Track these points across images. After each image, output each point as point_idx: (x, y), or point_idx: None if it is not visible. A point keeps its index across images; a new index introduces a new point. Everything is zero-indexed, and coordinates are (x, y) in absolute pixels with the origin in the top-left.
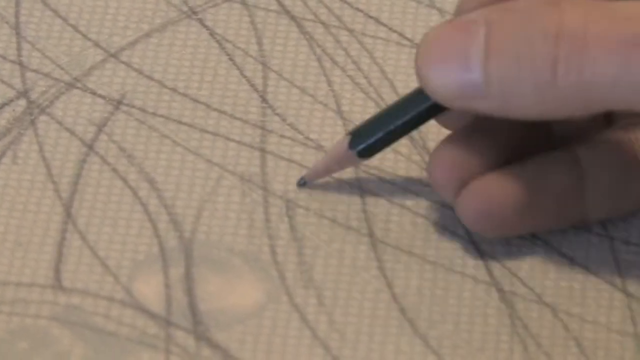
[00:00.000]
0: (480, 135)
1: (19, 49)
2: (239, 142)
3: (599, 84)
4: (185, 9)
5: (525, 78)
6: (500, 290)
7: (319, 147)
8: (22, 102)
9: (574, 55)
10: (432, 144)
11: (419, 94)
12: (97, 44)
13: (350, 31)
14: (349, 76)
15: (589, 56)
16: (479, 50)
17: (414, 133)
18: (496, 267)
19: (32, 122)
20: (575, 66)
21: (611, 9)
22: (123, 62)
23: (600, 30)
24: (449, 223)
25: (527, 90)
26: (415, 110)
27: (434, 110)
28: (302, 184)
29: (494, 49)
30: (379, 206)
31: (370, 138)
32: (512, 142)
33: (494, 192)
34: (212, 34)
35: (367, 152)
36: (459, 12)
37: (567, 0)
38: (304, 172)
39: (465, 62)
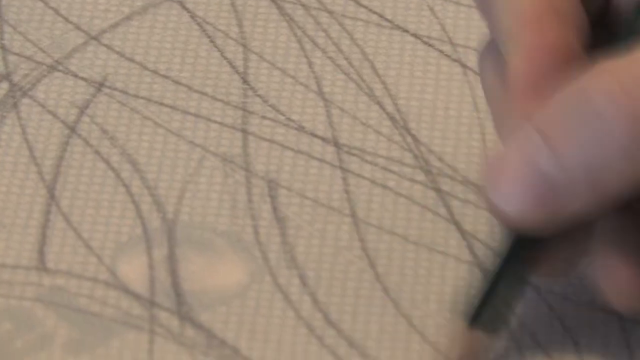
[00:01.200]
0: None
1: (0, 32)
2: (220, 124)
3: None
4: None
5: (605, 150)
6: (483, 270)
7: (300, 128)
8: (5, 85)
9: None
10: (413, 125)
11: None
12: (78, 27)
13: (331, 13)
14: (329, 58)
15: None
16: (540, 143)
17: (395, 114)
18: (479, 247)
19: (15, 105)
20: None
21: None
22: (104, 45)
23: None
24: (430, 203)
25: (613, 160)
26: (511, 265)
27: (528, 252)
28: None
29: (554, 135)
30: (361, 186)
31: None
32: None
33: None
34: (192, 16)
35: (492, 326)
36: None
37: (607, 65)
38: (286, 152)
39: (530, 158)
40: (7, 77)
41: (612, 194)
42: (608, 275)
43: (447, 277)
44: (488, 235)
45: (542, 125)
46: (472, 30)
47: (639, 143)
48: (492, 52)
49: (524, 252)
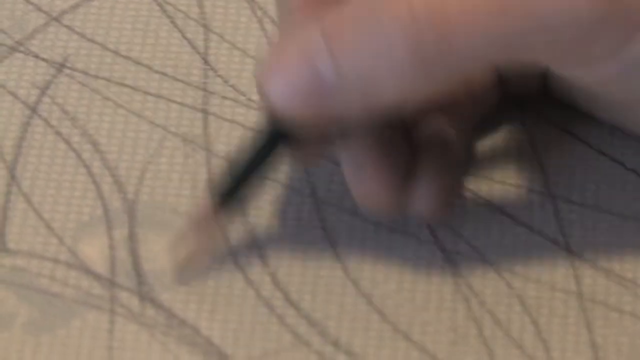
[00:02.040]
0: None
1: None
2: (181, 104)
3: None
4: None
5: (383, 65)
6: (443, 250)
7: (261, 108)
8: None
9: (439, 34)
10: None
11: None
12: (39, 8)
13: None
14: None
15: (456, 34)
16: (322, 47)
17: None
18: (439, 226)
19: None
20: (444, 45)
21: None
22: (65, 26)
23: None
24: None
25: (388, 75)
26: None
27: (277, 138)
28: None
29: (337, 42)
30: (321, 167)
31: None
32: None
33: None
34: None
35: (226, 201)
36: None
37: None
38: (247, 132)
39: (309, 59)
40: None
41: (381, 108)
42: (358, 177)
43: (407, 257)
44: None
45: (328, 30)
46: None
47: (415, 67)
48: None
49: (279, 143)
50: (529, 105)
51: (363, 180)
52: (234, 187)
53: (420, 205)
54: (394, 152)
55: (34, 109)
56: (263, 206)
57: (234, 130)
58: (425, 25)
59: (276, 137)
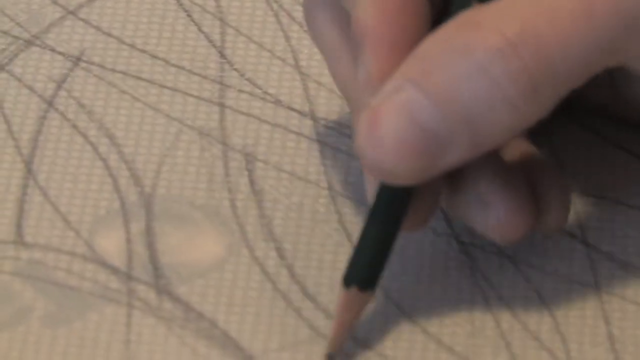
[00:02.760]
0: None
1: None
2: (197, 97)
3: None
4: None
5: (490, 102)
6: (460, 242)
7: (277, 102)
8: None
9: (540, 57)
10: None
11: (378, 208)
12: (55, 2)
13: None
14: (306, 31)
15: (555, 51)
16: (420, 98)
17: None
18: (456, 220)
19: None
20: (548, 67)
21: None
22: (81, 19)
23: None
24: None
25: (498, 111)
26: (384, 218)
27: (401, 204)
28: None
29: (434, 91)
30: (338, 159)
31: (360, 268)
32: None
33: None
34: None
35: (366, 282)
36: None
37: (481, 16)
38: (263, 126)
39: (411, 115)
40: None
41: (491, 144)
42: (486, 211)
43: (424, 250)
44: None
45: (420, 79)
46: None
47: (525, 96)
48: (326, 5)
49: (394, 205)
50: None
51: (494, 214)
52: (372, 270)
53: (551, 221)
54: (516, 180)
55: (50, 103)
56: (280, 199)
57: (250, 124)
58: (525, 52)
59: (389, 199)
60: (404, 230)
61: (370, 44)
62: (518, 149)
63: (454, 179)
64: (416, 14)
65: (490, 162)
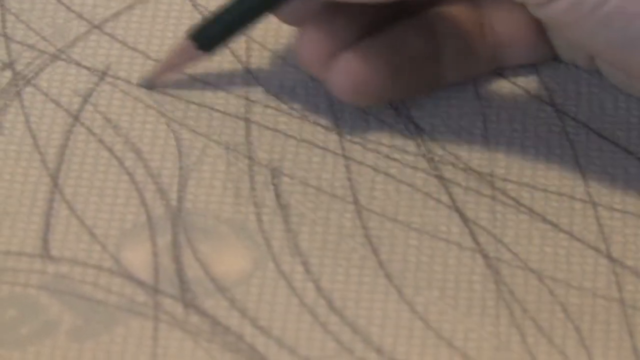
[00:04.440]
0: (342, 12)
1: (3, 20)
2: (223, 112)
3: None
4: None
5: None
6: (485, 257)
7: (303, 117)
8: (8, 74)
9: None
10: (416, 113)
11: None
12: (80, 16)
13: None
14: None
15: None
16: None
17: (399, 105)
18: (481, 234)
19: (18, 94)
20: None
21: None
22: (107, 34)
23: None
24: (433, 190)
25: None
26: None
27: None
28: (145, 85)
29: None
30: (363, 174)
31: (210, 30)
32: (372, 15)
33: (360, 64)
34: (194, 5)
35: (208, 43)
36: None
37: None
38: (289, 141)
39: None
40: (10, 65)
41: None
42: (302, 38)
43: (449, 264)
44: (490, 222)
45: None
46: None
47: None
48: None
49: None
50: (569, 112)
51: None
52: (214, 25)
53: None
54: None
55: (76, 117)
56: (306, 213)
57: (276, 139)
58: None
59: None
60: (273, 14)
61: None
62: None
63: None
64: None
65: None
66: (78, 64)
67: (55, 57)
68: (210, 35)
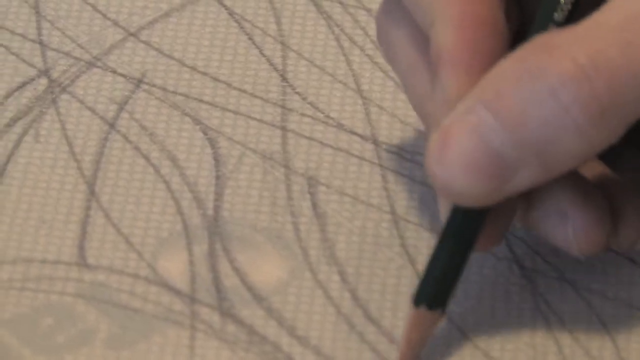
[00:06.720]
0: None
1: (38, 28)
2: (259, 121)
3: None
4: None
5: (560, 127)
6: (521, 267)
7: (339, 126)
8: (44, 81)
9: (610, 84)
10: None
11: (450, 229)
12: (116, 23)
13: (368, 10)
14: (367, 55)
15: (624, 79)
16: (491, 122)
17: None
18: (517, 244)
19: (54, 101)
20: (617, 95)
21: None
22: (143, 42)
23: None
24: None
25: (567, 138)
26: (455, 239)
27: (472, 225)
28: None
29: (506, 114)
30: (400, 183)
31: (430, 287)
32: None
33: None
34: (230, 13)
35: (436, 301)
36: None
37: (556, 41)
38: (325, 150)
39: (482, 138)
40: (45, 73)
41: (561, 170)
42: (565, 223)
43: (485, 274)
44: (525, 232)
45: (492, 102)
46: None
47: (594, 123)
48: (400, 23)
49: (465, 226)
50: None
51: (573, 226)
52: (442, 289)
53: (627, 237)
54: (594, 194)
55: (112, 125)
56: (342, 223)
57: (313, 147)
58: (596, 78)
59: (460, 219)
60: (476, 251)
61: (448, 65)
62: (592, 168)
63: (532, 192)
64: (494, 35)
65: (569, 176)
66: (114, 72)
67: (91, 65)
68: (433, 292)
